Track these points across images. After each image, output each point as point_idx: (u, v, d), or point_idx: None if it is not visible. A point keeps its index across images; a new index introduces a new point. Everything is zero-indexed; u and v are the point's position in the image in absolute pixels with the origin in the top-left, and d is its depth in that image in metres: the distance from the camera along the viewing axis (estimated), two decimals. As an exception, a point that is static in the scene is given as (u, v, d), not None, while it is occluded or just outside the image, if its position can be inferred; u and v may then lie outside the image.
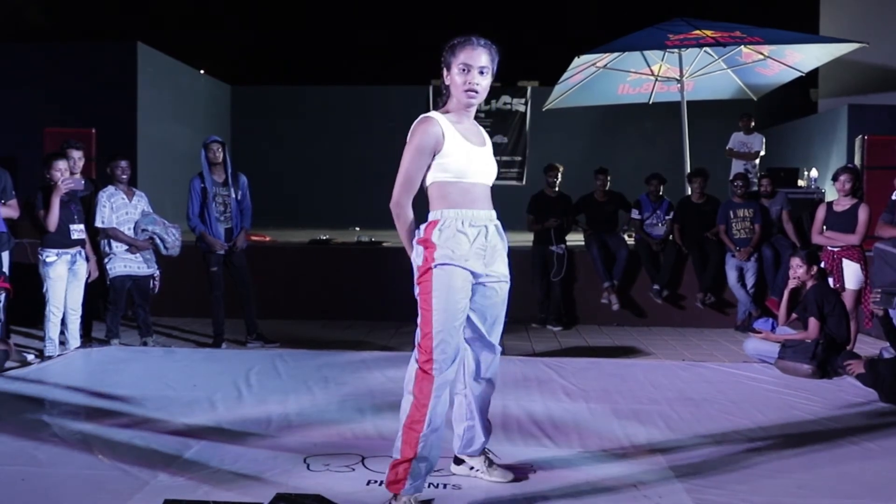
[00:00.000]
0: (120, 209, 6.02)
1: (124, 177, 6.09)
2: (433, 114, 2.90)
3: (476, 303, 2.94)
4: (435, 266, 2.80)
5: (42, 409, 4.14)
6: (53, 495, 2.95)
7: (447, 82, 2.92)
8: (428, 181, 2.91)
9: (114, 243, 5.99)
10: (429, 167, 2.88)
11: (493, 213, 2.97)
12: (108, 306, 6.10)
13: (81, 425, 3.84)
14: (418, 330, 2.82)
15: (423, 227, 2.90)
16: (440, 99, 3.01)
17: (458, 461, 3.15)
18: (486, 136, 3.05)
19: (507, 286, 3.04)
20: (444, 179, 2.88)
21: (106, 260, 6.00)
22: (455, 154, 2.86)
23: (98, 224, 5.96)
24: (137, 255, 6.02)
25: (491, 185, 3.00)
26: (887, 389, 4.39)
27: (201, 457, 3.37)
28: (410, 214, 2.93)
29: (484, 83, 2.86)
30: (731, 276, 7.37)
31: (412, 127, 2.89)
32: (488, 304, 2.98)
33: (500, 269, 2.99)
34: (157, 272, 6.14)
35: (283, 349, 6.00)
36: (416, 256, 2.87)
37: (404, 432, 2.80)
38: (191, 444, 3.53)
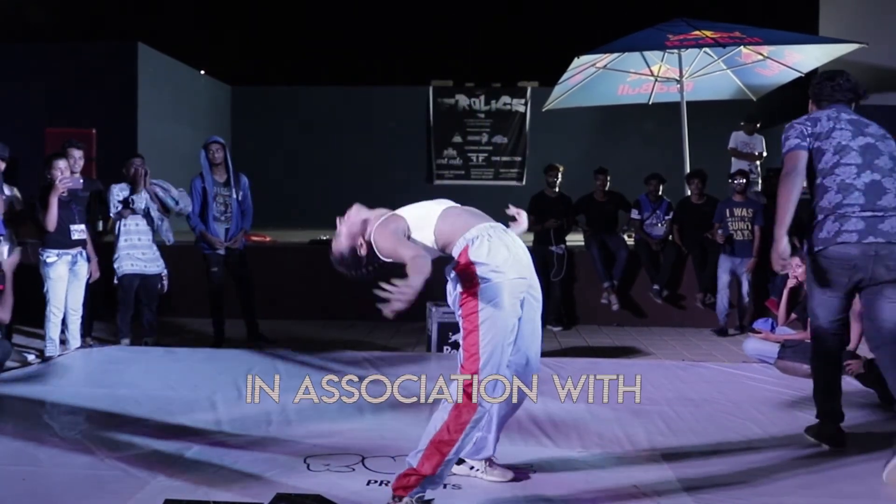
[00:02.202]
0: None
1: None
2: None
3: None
4: (484, 282, 2.73)
5: (42, 410, 4.15)
6: (54, 495, 2.95)
7: None
8: (427, 235, 2.93)
9: (123, 238, 5.96)
10: (419, 232, 2.94)
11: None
12: (117, 306, 6.11)
13: (82, 425, 3.85)
14: (462, 346, 2.75)
15: (454, 263, 2.83)
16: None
17: (459, 461, 3.12)
18: None
19: (539, 298, 2.94)
20: (436, 217, 2.93)
21: (114, 258, 6.01)
22: (420, 217, 2.97)
23: (112, 213, 6.00)
24: (144, 253, 6.02)
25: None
26: (885, 389, 4.40)
27: (201, 457, 3.38)
28: (427, 264, 2.77)
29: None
30: (723, 279, 7.19)
31: None
32: (529, 318, 2.90)
33: (534, 277, 2.91)
34: (166, 271, 6.15)
35: (284, 349, 6.00)
36: (457, 282, 2.79)
37: (429, 448, 2.70)
38: (191, 445, 3.53)
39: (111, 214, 6.05)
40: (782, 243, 3.46)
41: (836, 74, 3.72)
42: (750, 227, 7.20)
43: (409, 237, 2.85)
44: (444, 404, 2.73)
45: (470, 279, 2.74)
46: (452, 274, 2.82)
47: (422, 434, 2.78)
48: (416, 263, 2.65)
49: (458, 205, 2.98)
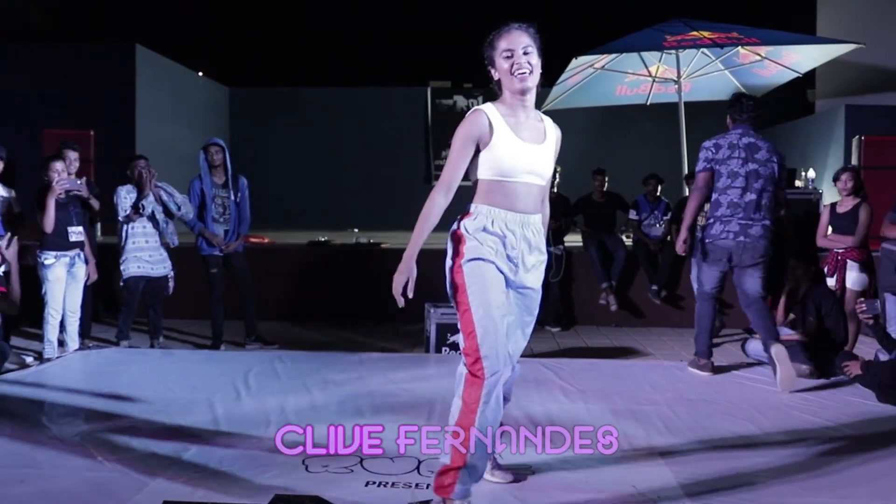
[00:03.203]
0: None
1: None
2: (484, 106, 2.77)
3: None
4: (466, 262, 2.71)
5: (41, 411, 4.14)
6: (52, 497, 2.95)
7: (496, 77, 2.78)
8: (473, 176, 2.80)
9: (131, 240, 5.97)
10: (476, 162, 2.75)
11: (536, 218, 2.83)
12: (121, 307, 6.12)
13: (80, 427, 3.84)
14: (459, 334, 2.73)
15: (457, 219, 2.82)
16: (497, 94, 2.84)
17: None
18: (550, 133, 2.91)
19: (533, 298, 2.90)
20: (487, 177, 2.75)
21: (121, 260, 6.01)
22: (501, 149, 2.72)
23: (121, 217, 6.00)
24: (151, 255, 6.02)
25: (543, 185, 2.89)
26: (884, 389, 4.41)
27: (200, 458, 3.38)
28: (436, 214, 2.75)
29: (533, 61, 2.72)
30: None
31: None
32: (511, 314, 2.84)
33: (526, 279, 2.82)
34: (172, 273, 6.15)
35: (282, 350, 6.00)
36: (449, 253, 2.78)
37: (452, 437, 2.68)
38: (190, 446, 3.53)
39: (119, 217, 6.03)
40: (682, 237, 5.09)
41: (741, 98, 5.09)
42: None
43: (480, 148, 2.73)
44: (455, 397, 2.71)
45: (457, 252, 2.74)
46: (449, 242, 2.80)
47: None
48: (426, 204, 2.74)
49: (531, 183, 2.82)
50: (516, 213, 2.76)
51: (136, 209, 5.94)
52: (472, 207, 2.77)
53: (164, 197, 6.05)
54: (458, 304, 2.73)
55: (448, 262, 2.78)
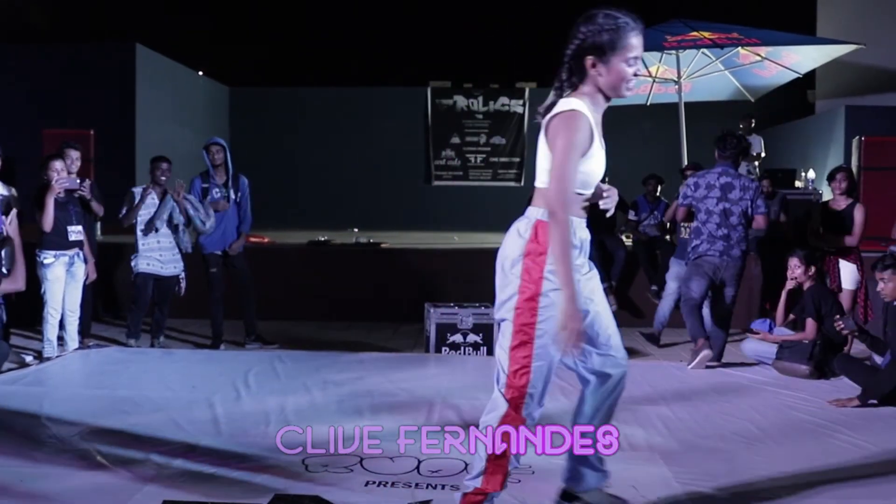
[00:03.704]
0: (149, 207, 6.02)
1: (163, 178, 6.10)
2: (579, 106, 2.45)
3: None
4: (547, 292, 2.40)
5: (40, 411, 4.14)
6: (52, 497, 2.95)
7: (594, 71, 2.47)
8: (547, 182, 2.47)
9: (140, 242, 5.97)
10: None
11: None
12: (130, 305, 6.15)
13: (80, 427, 3.84)
14: (507, 356, 2.46)
15: (528, 225, 2.47)
16: (565, 83, 2.52)
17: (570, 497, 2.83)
18: None
19: (596, 286, 2.66)
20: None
21: (132, 257, 6.03)
22: (595, 160, 2.50)
23: (120, 216, 6.03)
24: (162, 255, 6.02)
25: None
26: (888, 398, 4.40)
27: (200, 458, 3.38)
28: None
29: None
30: (671, 285, 6.52)
31: (557, 119, 2.44)
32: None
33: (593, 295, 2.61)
34: (183, 274, 6.15)
35: (282, 350, 6.00)
36: (521, 268, 2.43)
37: (490, 465, 2.52)
38: (189, 446, 3.53)
39: (121, 215, 6.03)
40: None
41: (726, 136, 5.64)
42: None
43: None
44: (489, 422, 2.51)
45: (537, 275, 2.41)
46: (518, 252, 2.47)
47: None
48: (552, 219, 2.36)
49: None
50: (582, 219, 2.57)
51: (150, 227, 5.96)
52: (546, 214, 2.45)
53: (191, 211, 6.04)
54: (517, 329, 2.45)
55: (517, 267, 2.45)
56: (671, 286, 6.56)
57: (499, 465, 2.52)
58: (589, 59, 2.47)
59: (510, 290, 2.47)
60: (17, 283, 4.91)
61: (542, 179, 2.50)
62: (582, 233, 2.56)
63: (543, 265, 2.42)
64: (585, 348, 2.57)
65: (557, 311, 2.39)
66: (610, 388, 2.69)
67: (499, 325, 2.57)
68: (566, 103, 2.45)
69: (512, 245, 2.49)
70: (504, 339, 2.48)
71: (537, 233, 2.45)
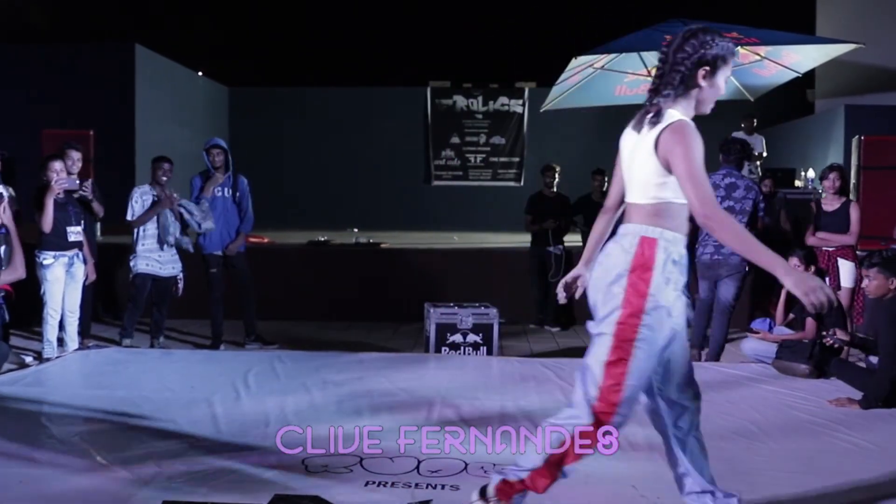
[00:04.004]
0: (148, 207, 6.03)
1: (164, 178, 6.11)
2: (685, 116, 2.50)
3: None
4: (650, 310, 2.41)
5: (40, 411, 4.14)
6: (52, 497, 2.95)
7: (703, 78, 2.51)
8: (653, 197, 2.48)
9: (140, 243, 5.98)
10: (668, 183, 2.45)
11: None
12: (127, 304, 6.15)
13: (79, 427, 3.84)
14: (602, 370, 2.45)
15: (633, 241, 2.46)
16: (675, 90, 2.50)
17: None
18: None
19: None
20: (677, 200, 2.46)
21: (130, 257, 6.03)
22: None
23: (128, 218, 6.02)
24: (161, 255, 6.02)
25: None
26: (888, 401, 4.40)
27: (199, 458, 3.37)
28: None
29: None
30: None
31: (672, 131, 2.43)
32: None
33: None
34: (181, 275, 6.15)
35: (282, 350, 6.00)
36: (626, 283, 2.42)
37: (547, 467, 2.50)
38: (189, 446, 3.53)
39: (128, 217, 6.04)
40: None
41: (731, 142, 6.05)
42: None
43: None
44: (564, 426, 2.49)
45: (640, 293, 2.42)
46: (623, 267, 2.46)
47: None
48: (714, 222, 2.34)
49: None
50: (685, 236, 2.55)
51: (161, 242, 6.01)
52: (657, 232, 2.46)
53: (186, 216, 6.06)
54: (616, 345, 2.44)
55: (621, 282, 2.45)
56: None
57: (553, 471, 2.50)
58: (702, 71, 2.51)
59: (612, 304, 2.45)
60: (16, 271, 4.87)
61: (647, 194, 2.50)
62: (682, 249, 2.53)
63: (649, 282, 2.43)
64: (666, 375, 2.60)
65: (658, 333, 2.43)
66: (688, 425, 2.68)
67: (594, 337, 2.53)
68: (673, 115, 2.48)
69: (616, 260, 2.48)
70: (600, 353, 2.46)
71: (644, 249, 2.45)
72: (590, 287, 2.59)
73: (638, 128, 2.55)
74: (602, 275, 2.51)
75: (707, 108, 2.57)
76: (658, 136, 2.45)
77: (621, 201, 2.71)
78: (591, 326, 2.54)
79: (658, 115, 2.48)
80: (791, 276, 2.26)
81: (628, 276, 2.44)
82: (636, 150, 2.54)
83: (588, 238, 2.93)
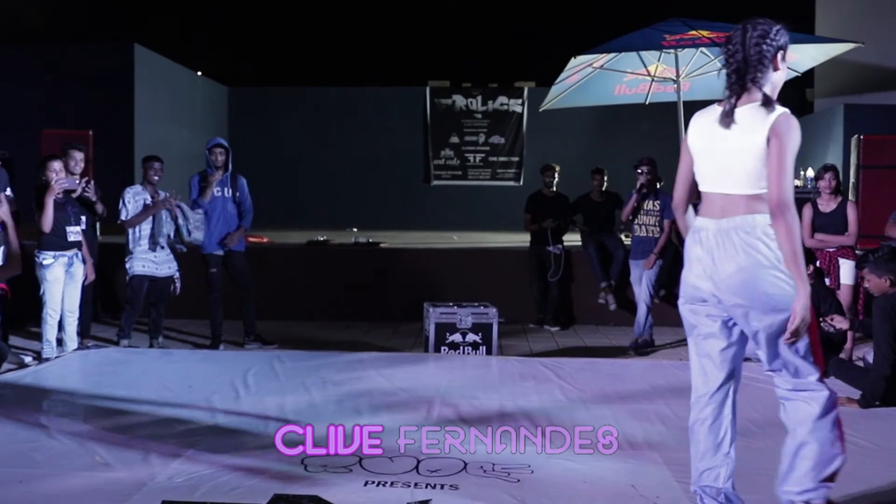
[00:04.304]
0: (141, 207, 6.02)
1: (156, 178, 6.09)
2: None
3: None
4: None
5: (39, 411, 4.14)
6: (51, 497, 2.95)
7: (781, 61, 2.76)
8: (761, 187, 2.56)
9: (136, 244, 5.97)
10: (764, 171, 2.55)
11: None
12: (124, 305, 6.14)
13: (79, 427, 3.84)
14: (807, 351, 2.62)
15: (769, 231, 2.53)
16: (762, 82, 2.71)
17: None
18: None
19: None
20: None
21: (126, 259, 6.02)
22: None
23: (122, 218, 5.99)
24: (157, 255, 6.01)
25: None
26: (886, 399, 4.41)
27: (199, 458, 3.37)
28: None
29: None
30: (636, 290, 6.55)
31: (786, 119, 2.59)
32: None
33: None
34: (178, 274, 6.14)
35: (281, 350, 6.00)
36: (787, 272, 2.51)
37: (839, 430, 2.75)
38: (188, 446, 3.53)
39: (122, 218, 5.99)
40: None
41: None
42: (657, 222, 6.56)
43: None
44: (826, 430, 2.75)
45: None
46: (774, 257, 2.55)
47: None
48: (786, 215, 2.47)
49: None
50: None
51: (154, 242, 5.98)
52: (768, 219, 2.55)
53: (180, 220, 6.05)
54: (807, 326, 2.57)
55: (784, 273, 2.52)
56: (636, 290, 6.56)
57: (840, 430, 2.72)
58: (778, 56, 2.72)
59: (784, 292, 2.52)
60: (14, 268, 4.86)
61: (756, 184, 2.56)
62: None
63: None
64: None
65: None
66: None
67: (772, 328, 2.60)
68: (778, 107, 2.62)
69: (765, 251, 2.53)
70: (801, 344, 2.60)
71: (764, 243, 2.55)
72: (729, 283, 2.58)
73: (726, 121, 2.63)
74: (751, 272, 2.53)
75: (777, 91, 2.72)
76: (773, 124, 2.56)
77: (690, 196, 2.81)
78: (760, 319, 2.57)
79: (769, 104, 2.62)
80: (803, 300, 2.45)
81: (783, 263, 2.51)
82: (735, 141, 2.60)
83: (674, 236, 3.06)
